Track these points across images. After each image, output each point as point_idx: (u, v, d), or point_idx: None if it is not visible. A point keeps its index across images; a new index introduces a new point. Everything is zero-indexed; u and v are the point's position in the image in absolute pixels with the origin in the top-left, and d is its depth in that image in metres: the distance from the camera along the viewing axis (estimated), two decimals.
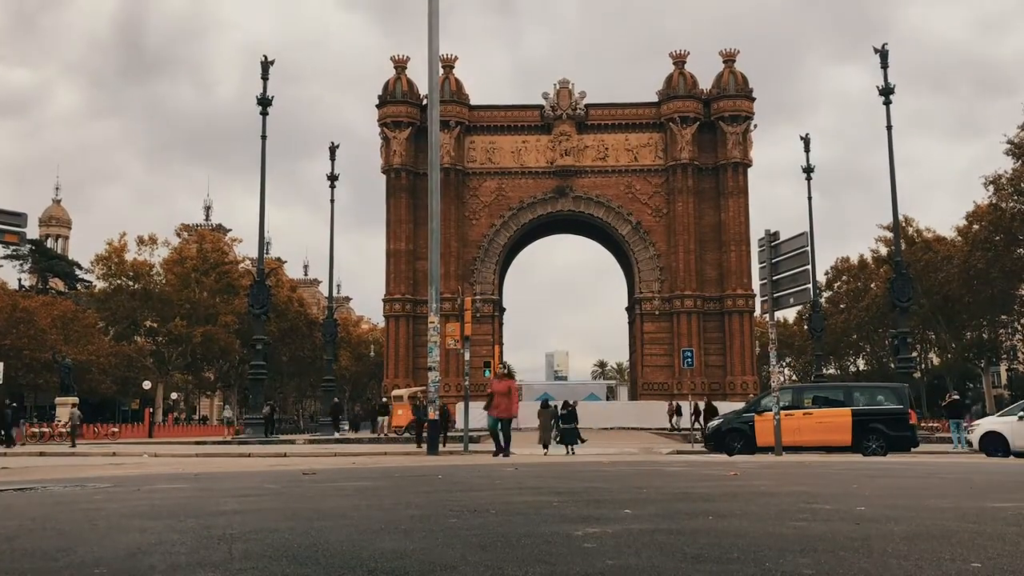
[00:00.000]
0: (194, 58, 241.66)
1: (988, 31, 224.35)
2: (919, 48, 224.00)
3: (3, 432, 29.70)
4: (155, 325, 64.32)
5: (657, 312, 58.20)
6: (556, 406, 26.88)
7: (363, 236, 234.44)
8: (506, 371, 24.78)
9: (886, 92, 33.38)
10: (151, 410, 54.78)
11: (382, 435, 37.96)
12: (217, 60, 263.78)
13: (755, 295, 52.97)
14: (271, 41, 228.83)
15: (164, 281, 64.03)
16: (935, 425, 38.55)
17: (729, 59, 59.78)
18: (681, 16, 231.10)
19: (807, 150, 43.12)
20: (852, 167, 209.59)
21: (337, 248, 59.86)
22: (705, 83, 60.00)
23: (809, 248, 19.63)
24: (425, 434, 21.96)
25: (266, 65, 34.39)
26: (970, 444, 22.89)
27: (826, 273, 71.17)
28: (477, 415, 28.55)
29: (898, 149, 32.74)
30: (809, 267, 19.91)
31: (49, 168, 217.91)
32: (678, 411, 45.27)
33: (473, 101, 60.31)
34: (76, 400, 43.71)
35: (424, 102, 55.41)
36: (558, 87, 59.92)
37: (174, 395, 70.88)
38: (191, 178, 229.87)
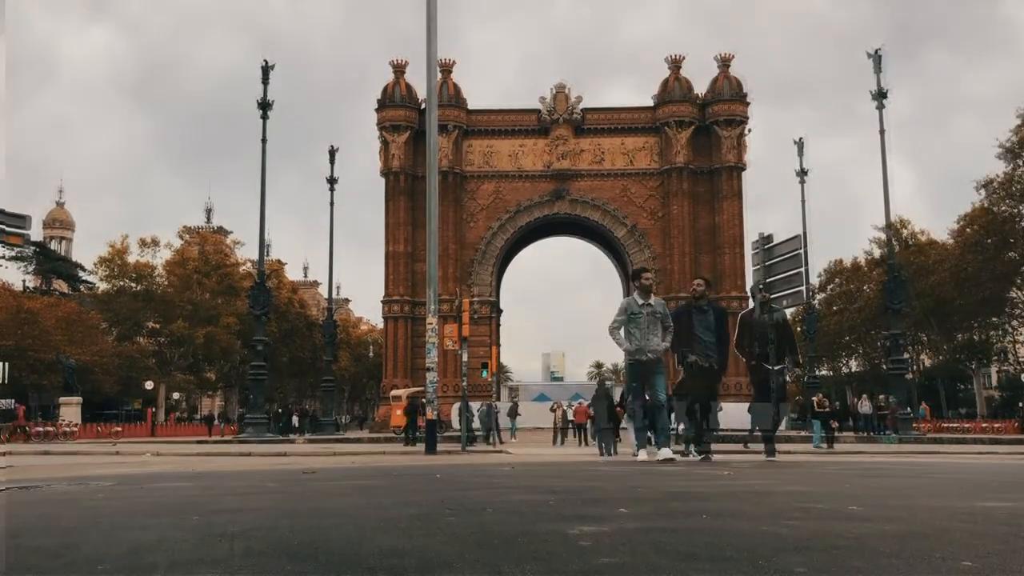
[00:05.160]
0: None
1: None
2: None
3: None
4: (157, 326, 64.44)
5: None
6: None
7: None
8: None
9: (879, 96, 33.70)
10: (153, 410, 54.86)
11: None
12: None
13: (749, 297, 52.99)
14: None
15: (166, 283, 64.12)
16: (926, 426, 39.26)
17: (725, 63, 59.81)
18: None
19: (800, 154, 43.33)
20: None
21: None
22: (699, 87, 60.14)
23: (803, 251, 19.67)
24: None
25: (266, 69, 34.64)
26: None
27: (819, 275, 71.39)
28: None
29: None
30: (803, 269, 19.95)
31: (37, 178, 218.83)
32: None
33: (471, 105, 60.35)
34: (80, 400, 43.69)
35: (423, 106, 55.43)
36: (555, 91, 59.92)
37: (176, 395, 70.87)
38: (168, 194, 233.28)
